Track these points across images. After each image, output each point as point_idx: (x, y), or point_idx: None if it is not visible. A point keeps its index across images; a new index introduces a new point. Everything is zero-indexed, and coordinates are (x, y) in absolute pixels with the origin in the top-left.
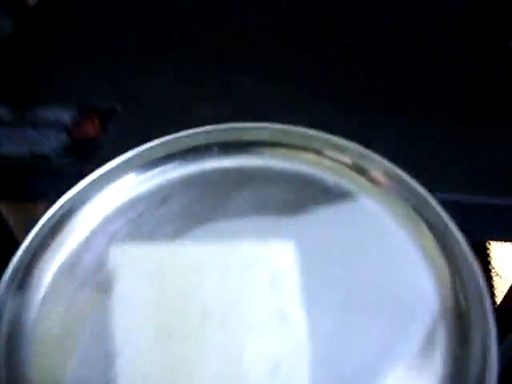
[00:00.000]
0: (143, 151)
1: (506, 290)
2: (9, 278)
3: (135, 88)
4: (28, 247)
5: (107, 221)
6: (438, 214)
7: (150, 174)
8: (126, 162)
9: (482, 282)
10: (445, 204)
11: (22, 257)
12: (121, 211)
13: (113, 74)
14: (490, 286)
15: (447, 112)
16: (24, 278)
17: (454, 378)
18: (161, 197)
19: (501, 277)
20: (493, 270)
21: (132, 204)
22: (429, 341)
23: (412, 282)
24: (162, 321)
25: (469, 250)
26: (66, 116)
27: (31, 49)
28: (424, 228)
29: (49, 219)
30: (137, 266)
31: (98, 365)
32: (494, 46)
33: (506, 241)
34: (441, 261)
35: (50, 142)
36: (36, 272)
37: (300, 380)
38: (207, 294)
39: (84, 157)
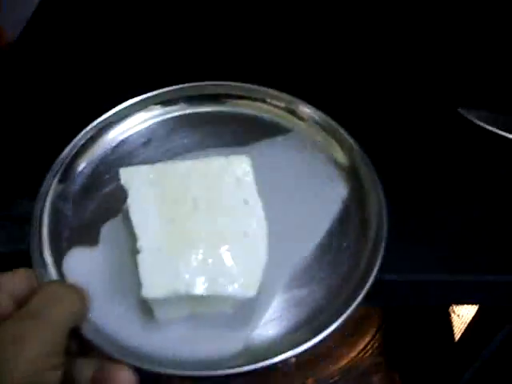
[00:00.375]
0: (130, 104)
1: (463, 327)
2: (51, 172)
3: None
4: (67, 154)
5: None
6: (342, 134)
7: (134, 121)
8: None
9: (373, 171)
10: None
11: (61, 159)
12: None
13: None
14: (449, 324)
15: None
16: (63, 175)
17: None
18: (145, 138)
19: (458, 315)
20: (452, 310)
21: (126, 142)
22: (341, 212)
23: (328, 180)
24: (165, 211)
25: (364, 154)
26: None
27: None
28: (335, 145)
29: (82, 136)
30: (140, 179)
31: (124, 243)
32: (447, 112)
33: (462, 304)
34: (346, 164)
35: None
36: (73, 171)
37: (261, 240)
38: (195, 192)
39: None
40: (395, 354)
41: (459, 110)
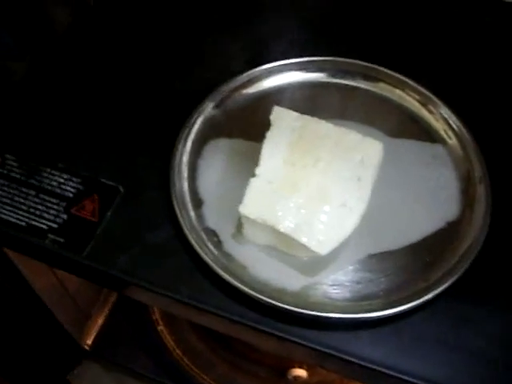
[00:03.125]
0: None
1: None
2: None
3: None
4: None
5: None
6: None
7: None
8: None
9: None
10: None
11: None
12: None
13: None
14: None
15: None
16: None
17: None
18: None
19: None
20: None
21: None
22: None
23: (444, 197)
24: (291, 156)
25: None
26: (69, 187)
27: (48, 102)
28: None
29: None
30: (287, 121)
31: (247, 169)
32: None
33: None
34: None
35: (49, 216)
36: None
37: (354, 215)
38: (322, 151)
39: (73, 241)
40: None
41: None
